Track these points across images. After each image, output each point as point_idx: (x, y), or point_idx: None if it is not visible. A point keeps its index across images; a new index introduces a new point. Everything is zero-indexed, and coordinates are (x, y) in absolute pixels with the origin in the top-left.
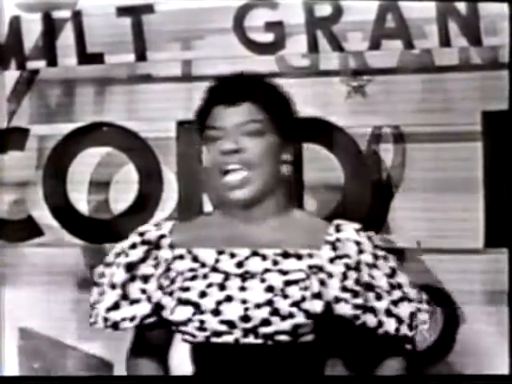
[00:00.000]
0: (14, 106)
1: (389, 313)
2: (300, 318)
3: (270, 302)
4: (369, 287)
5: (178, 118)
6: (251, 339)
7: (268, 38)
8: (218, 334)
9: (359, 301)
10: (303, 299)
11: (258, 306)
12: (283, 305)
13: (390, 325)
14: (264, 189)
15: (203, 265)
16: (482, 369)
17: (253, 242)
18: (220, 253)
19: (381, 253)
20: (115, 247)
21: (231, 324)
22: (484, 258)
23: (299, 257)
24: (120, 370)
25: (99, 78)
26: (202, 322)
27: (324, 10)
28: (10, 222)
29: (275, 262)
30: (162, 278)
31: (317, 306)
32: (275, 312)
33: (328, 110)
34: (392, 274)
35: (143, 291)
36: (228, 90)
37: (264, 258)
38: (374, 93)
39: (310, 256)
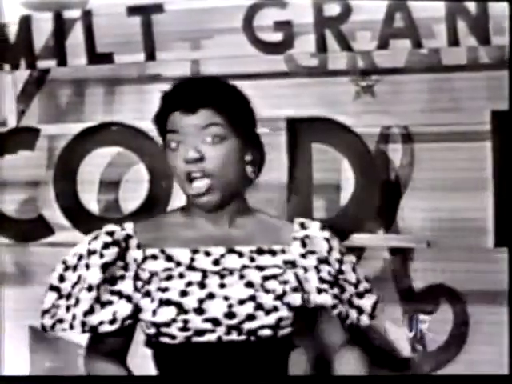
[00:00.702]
0: (24, 105)
1: (351, 303)
2: (283, 312)
3: (253, 298)
4: (337, 280)
5: None
6: (234, 336)
7: (277, 37)
8: (201, 332)
9: (336, 291)
10: (284, 293)
11: (242, 301)
12: (267, 299)
13: (352, 315)
14: (228, 193)
15: (178, 264)
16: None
17: (224, 240)
18: (194, 252)
19: (343, 249)
20: (78, 248)
21: (216, 321)
22: (493, 257)
23: (273, 253)
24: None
25: (109, 77)
26: (185, 321)
27: (333, 10)
28: (21, 221)
29: (252, 259)
30: (134, 280)
31: (297, 299)
32: (259, 307)
33: (336, 110)
34: (354, 267)
35: (114, 293)
36: (183, 96)
37: (240, 254)
38: (383, 92)
39: (283, 252)
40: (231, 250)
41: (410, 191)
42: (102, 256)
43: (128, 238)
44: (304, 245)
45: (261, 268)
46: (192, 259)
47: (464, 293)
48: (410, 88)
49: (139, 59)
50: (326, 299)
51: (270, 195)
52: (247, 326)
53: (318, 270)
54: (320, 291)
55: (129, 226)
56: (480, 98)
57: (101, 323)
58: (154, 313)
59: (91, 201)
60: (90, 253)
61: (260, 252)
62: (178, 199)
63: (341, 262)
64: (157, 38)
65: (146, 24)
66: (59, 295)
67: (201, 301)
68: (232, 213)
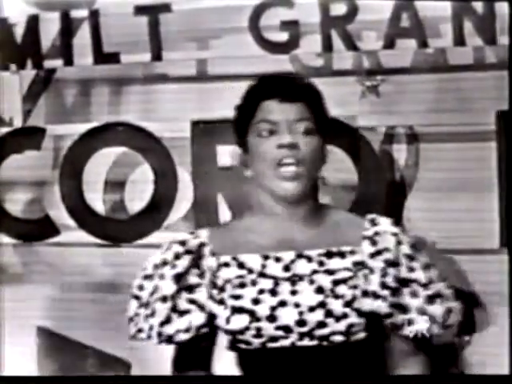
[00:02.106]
0: (30, 105)
1: (422, 312)
2: (353, 318)
3: (322, 304)
4: (405, 283)
5: (194, 117)
6: (306, 341)
7: (283, 37)
8: (275, 339)
9: (395, 299)
10: (354, 298)
11: (312, 308)
12: (336, 305)
13: (422, 324)
14: (310, 187)
15: (250, 271)
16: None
17: (295, 244)
18: (265, 258)
19: (415, 246)
20: (153, 258)
21: (287, 329)
22: (499, 258)
23: (342, 255)
24: (137, 370)
25: (115, 77)
26: (258, 329)
27: (339, 10)
28: (27, 221)
29: (321, 263)
30: (210, 287)
31: (367, 304)
32: (329, 313)
33: (342, 110)
34: (427, 267)
35: (192, 301)
36: (282, 86)
37: (309, 259)
38: (388, 92)
39: (352, 252)
40: (300, 255)
41: (414, 191)
42: (174, 267)
43: (202, 245)
44: (374, 243)
45: (330, 272)
46: (263, 266)
47: (470, 294)
48: (415, 88)
49: (146, 59)
50: (379, 306)
51: None
52: (318, 332)
53: (384, 274)
54: (377, 297)
55: (203, 234)
56: (486, 98)
57: (177, 332)
58: (228, 320)
59: (97, 201)
60: (164, 263)
61: (329, 255)
62: (183, 200)
63: (411, 258)
64: (163, 37)
65: (153, 24)
66: (139, 304)
67: (273, 308)
68: (305, 212)
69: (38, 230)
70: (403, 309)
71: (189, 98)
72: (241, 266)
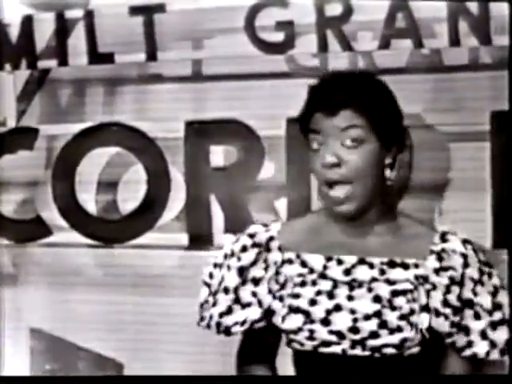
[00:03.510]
0: (25, 105)
1: (484, 335)
2: (408, 332)
3: (378, 314)
4: (469, 304)
5: (188, 118)
6: (358, 351)
7: (278, 37)
8: (327, 343)
9: (457, 318)
10: (412, 312)
11: (367, 317)
12: (392, 317)
13: (482, 348)
14: (368, 200)
15: (312, 270)
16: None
17: (360, 249)
18: (328, 259)
19: (486, 268)
20: (225, 248)
21: (340, 335)
22: (492, 258)
23: (406, 266)
24: (130, 370)
25: (110, 77)
26: (311, 331)
27: (334, 10)
28: (19, 221)
29: (382, 271)
30: (271, 282)
31: (425, 320)
32: (383, 324)
33: None
34: (495, 292)
35: (254, 294)
36: (324, 97)
37: (371, 266)
38: None
39: (416, 266)
40: (362, 261)
41: (409, 191)
42: (239, 259)
43: (271, 239)
44: (440, 259)
45: (391, 282)
46: (325, 267)
47: None
48: (410, 88)
49: (141, 59)
50: (441, 325)
51: (268, 196)
52: (371, 342)
53: (447, 291)
54: (438, 315)
55: (275, 227)
56: (481, 99)
57: (234, 324)
58: (283, 319)
59: (89, 201)
60: (231, 254)
61: (392, 265)
62: (176, 200)
63: (477, 282)
64: (158, 37)
65: (148, 24)
66: (209, 291)
67: (328, 312)
68: (370, 221)
69: (30, 230)
70: (465, 330)
71: (183, 98)
72: (303, 264)
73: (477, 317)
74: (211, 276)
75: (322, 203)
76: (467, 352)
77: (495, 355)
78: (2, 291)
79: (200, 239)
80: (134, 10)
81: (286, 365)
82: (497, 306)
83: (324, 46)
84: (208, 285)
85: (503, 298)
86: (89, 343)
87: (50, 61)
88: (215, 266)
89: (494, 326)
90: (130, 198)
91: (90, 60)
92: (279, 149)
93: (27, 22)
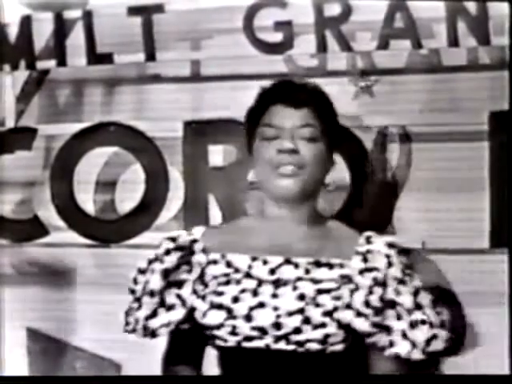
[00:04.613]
0: (23, 105)
1: (404, 335)
2: (331, 328)
3: (301, 311)
4: (391, 305)
5: (186, 118)
6: (282, 345)
7: (277, 37)
8: (250, 338)
9: (378, 319)
10: (335, 309)
11: (290, 313)
12: (315, 314)
13: (403, 347)
14: (309, 189)
15: (237, 270)
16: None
17: (286, 249)
18: (253, 259)
19: (408, 270)
20: (150, 254)
21: (263, 330)
22: (490, 258)
23: (331, 266)
24: (127, 370)
25: (108, 78)
26: (234, 327)
27: (333, 10)
28: (17, 221)
29: (307, 271)
30: (196, 283)
31: (348, 317)
32: (307, 320)
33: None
34: (416, 292)
35: (178, 296)
36: (289, 91)
37: (296, 266)
38: (382, 93)
39: (341, 266)
40: (288, 261)
41: (406, 191)
42: (162, 262)
43: (194, 242)
44: (365, 260)
45: (315, 281)
46: (250, 266)
47: (460, 294)
48: (409, 88)
49: (139, 59)
50: (362, 325)
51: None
52: (294, 337)
53: (369, 292)
54: (359, 315)
55: (198, 231)
56: (479, 99)
57: (160, 327)
58: (204, 315)
59: (87, 201)
60: (155, 259)
61: (317, 264)
62: (174, 200)
63: (399, 281)
64: (157, 38)
65: (147, 24)
66: (134, 298)
67: (251, 308)
68: (303, 217)
69: (27, 230)
70: (387, 330)
71: (182, 98)
72: (228, 264)
73: (399, 317)
74: (136, 282)
75: (266, 188)
76: (389, 351)
77: (417, 355)
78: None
79: None
80: (133, 11)
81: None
82: (417, 306)
83: (323, 47)
84: (133, 291)
85: (423, 299)
86: (86, 343)
87: (48, 61)
88: (140, 271)
89: (413, 325)
90: (128, 198)
91: (89, 60)
92: None
93: (26, 23)
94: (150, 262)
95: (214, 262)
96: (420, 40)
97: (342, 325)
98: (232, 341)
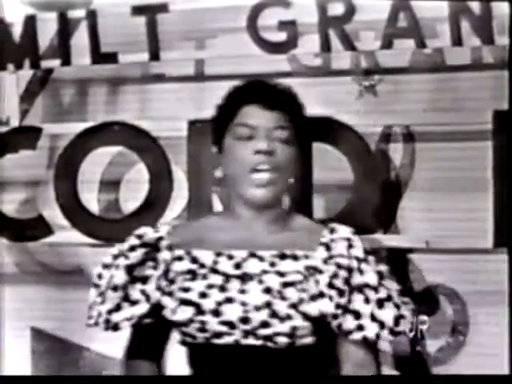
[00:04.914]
0: (28, 105)
1: (372, 317)
2: (298, 321)
3: (268, 304)
4: (357, 289)
5: (190, 117)
6: (251, 340)
7: (281, 37)
8: (219, 335)
9: (342, 301)
10: (301, 301)
11: (257, 308)
12: (281, 307)
13: (371, 330)
14: (282, 193)
15: (202, 266)
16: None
17: (252, 244)
18: (218, 254)
19: (371, 256)
20: (114, 249)
21: (231, 325)
22: (493, 258)
23: (295, 258)
24: None
25: (112, 77)
26: (202, 322)
27: (337, 10)
28: (21, 220)
29: (272, 264)
30: (161, 279)
31: (314, 309)
32: (274, 314)
33: (339, 110)
34: (380, 274)
35: (143, 292)
36: (264, 92)
37: (261, 259)
38: (385, 92)
39: (306, 257)
40: (253, 254)
41: (410, 191)
42: (127, 258)
43: (160, 239)
44: (328, 249)
45: (281, 274)
46: (215, 262)
47: (464, 294)
48: (412, 88)
49: (143, 59)
50: (326, 306)
51: None
52: (262, 332)
53: (334, 276)
54: (323, 296)
55: (164, 228)
56: (483, 98)
57: (122, 320)
58: (174, 312)
59: (91, 201)
60: (120, 254)
61: (282, 257)
62: (178, 199)
63: (362, 260)
64: (161, 37)
65: (151, 24)
66: (98, 292)
67: (218, 303)
68: (271, 216)
69: (31, 229)
70: (355, 314)
71: (186, 97)
72: (193, 260)
73: (366, 300)
74: (100, 277)
75: (238, 191)
76: (357, 335)
77: (385, 336)
78: (3, 290)
79: None
80: (137, 10)
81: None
82: (382, 284)
83: (326, 46)
84: (97, 285)
85: (388, 282)
86: (90, 342)
87: (52, 61)
88: (104, 266)
89: (380, 303)
90: (132, 198)
91: (93, 60)
92: None
93: (30, 22)
94: (115, 257)
95: (179, 258)
96: (424, 39)
97: (308, 317)
98: (201, 337)
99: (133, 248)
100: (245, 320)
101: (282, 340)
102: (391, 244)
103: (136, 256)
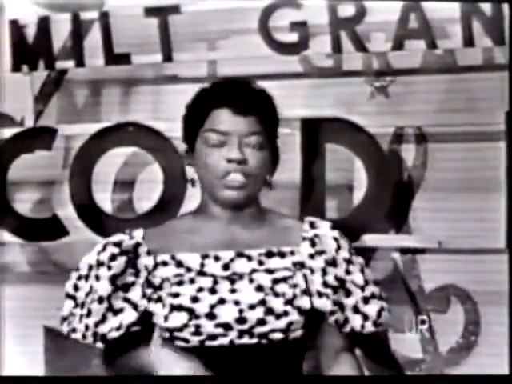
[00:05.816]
0: (42, 105)
1: (356, 310)
2: (294, 316)
3: (263, 302)
4: (342, 282)
5: None
6: (246, 340)
7: (292, 38)
8: (214, 337)
9: (338, 297)
10: (294, 296)
11: (252, 306)
12: (277, 303)
13: (356, 322)
14: (256, 193)
15: (189, 269)
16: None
17: (235, 244)
18: (204, 257)
19: (353, 250)
20: (86, 259)
21: (227, 326)
22: (505, 258)
23: (282, 255)
24: None
25: (126, 78)
26: (197, 326)
27: (348, 11)
28: (35, 220)
29: (260, 262)
30: (144, 286)
31: (306, 302)
32: (270, 311)
33: (351, 111)
34: (362, 269)
35: (126, 300)
36: (234, 96)
37: (249, 258)
38: (397, 93)
39: (292, 253)
40: (240, 254)
41: (422, 192)
42: (109, 268)
43: (137, 245)
44: (313, 244)
45: (270, 271)
46: (202, 264)
47: (475, 294)
48: (424, 88)
49: (156, 60)
50: (325, 304)
51: (283, 195)
52: (258, 330)
53: (324, 273)
54: (321, 295)
55: (138, 234)
56: (495, 99)
57: (110, 330)
58: (166, 318)
59: (105, 201)
60: (99, 264)
61: (269, 255)
62: (192, 200)
63: (349, 262)
64: (174, 38)
65: (163, 25)
66: (75, 304)
67: (212, 306)
68: (248, 215)
69: (46, 229)
70: (341, 307)
71: None
72: (179, 264)
73: (348, 294)
74: (76, 288)
75: (211, 192)
76: (346, 328)
77: (370, 328)
78: (17, 290)
79: None
80: (149, 12)
81: None
82: (367, 282)
83: (338, 47)
84: (72, 297)
85: (369, 275)
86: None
87: (66, 62)
88: (79, 277)
89: (366, 300)
90: (146, 198)
91: (107, 61)
92: (293, 148)
93: (44, 24)
94: (91, 267)
95: (164, 263)
96: (435, 40)
97: (302, 311)
98: (194, 341)
99: (113, 257)
100: (241, 320)
101: (277, 336)
102: (403, 244)
103: (119, 265)
